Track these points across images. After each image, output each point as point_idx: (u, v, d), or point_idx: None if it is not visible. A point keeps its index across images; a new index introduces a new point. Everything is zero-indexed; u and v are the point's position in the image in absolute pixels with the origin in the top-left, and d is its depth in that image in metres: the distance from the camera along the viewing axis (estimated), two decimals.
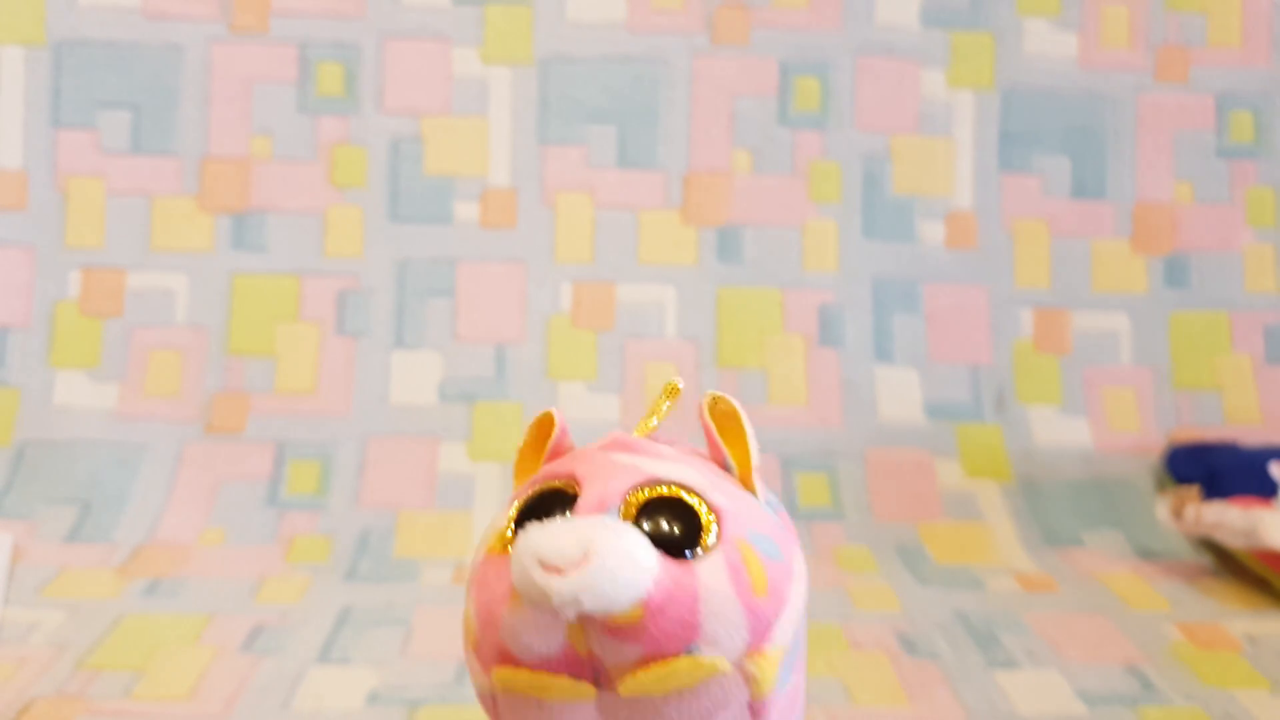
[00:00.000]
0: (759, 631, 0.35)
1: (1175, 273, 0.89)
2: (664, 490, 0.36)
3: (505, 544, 0.36)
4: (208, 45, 0.85)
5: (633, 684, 0.34)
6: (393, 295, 0.85)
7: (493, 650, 0.36)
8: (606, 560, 0.33)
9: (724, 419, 0.38)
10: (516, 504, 0.37)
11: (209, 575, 0.71)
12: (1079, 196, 0.89)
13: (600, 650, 0.34)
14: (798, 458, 0.82)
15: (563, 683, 0.35)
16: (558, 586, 0.33)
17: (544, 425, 0.39)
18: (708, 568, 0.35)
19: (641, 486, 0.36)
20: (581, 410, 0.83)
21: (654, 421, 0.40)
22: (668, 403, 0.40)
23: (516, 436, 0.81)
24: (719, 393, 0.38)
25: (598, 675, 0.35)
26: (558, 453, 0.39)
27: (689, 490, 0.36)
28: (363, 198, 0.85)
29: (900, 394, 0.86)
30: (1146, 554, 0.78)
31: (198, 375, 0.82)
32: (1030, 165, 0.89)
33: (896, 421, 0.85)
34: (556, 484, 0.37)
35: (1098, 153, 0.89)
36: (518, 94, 0.87)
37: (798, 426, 0.84)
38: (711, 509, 0.36)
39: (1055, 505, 0.82)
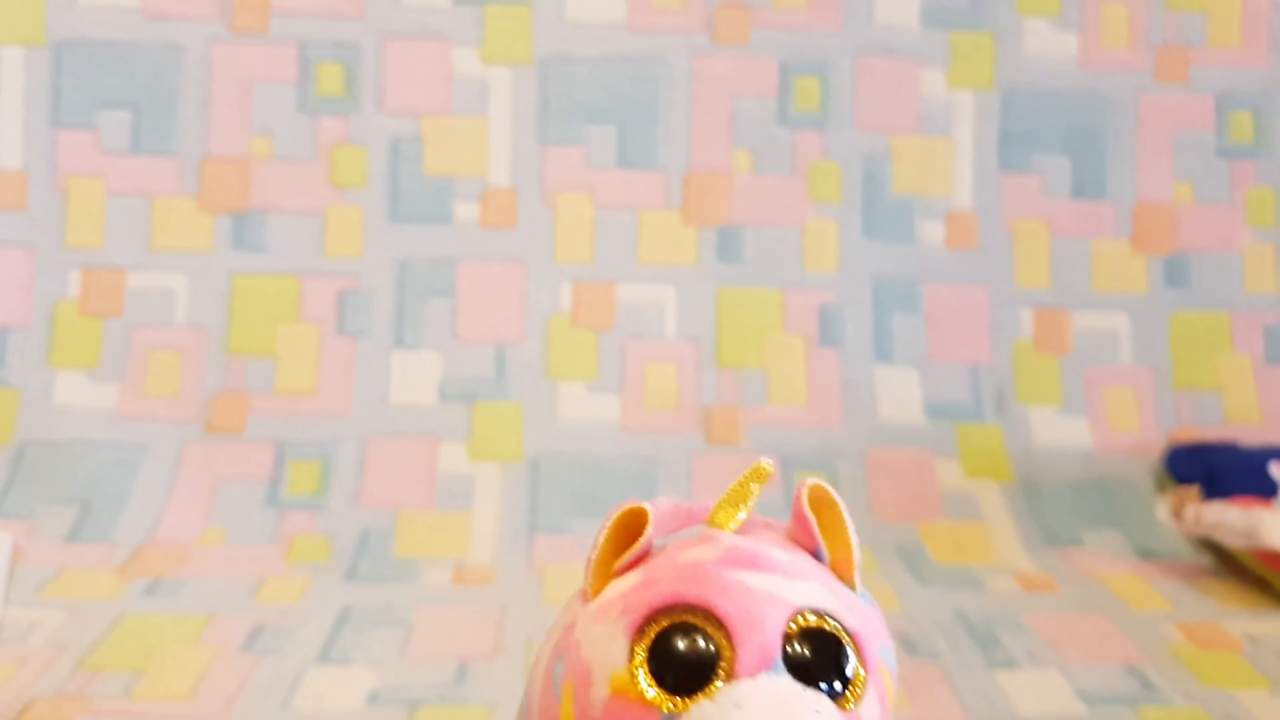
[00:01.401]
0: None
1: (1175, 273, 0.89)
2: (808, 621, 0.34)
3: (640, 690, 0.33)
4: (208, 45, 0.85)
5: None
6: (393, 295, 0.85)
7: None
8: None
9: (821, 508, 0.36)
10: (643, 641, 0.34)
11: (209, 575, 0.71)
12: (1079, 196, 0.89)
13: None
14: (798, 458, 0.82)
15: None
16: None
17: (633, 522, 0.36)
18: (868, 710, 0.34)
19: (790, 623, 0.34)
20: (581, 410, 0.83)
21: (742, 514, 0.37)
22: (756, 489, 0.37)
23: (517, 436, 0.82)
24: (816, 480, 0.36)
25: None
26: (644, 553, 0.36)
27: (832, 620, 0.34)
28: (363, 198, 0.85)
29: (900, 394, 0.86)
30: (1146, 554, 0.78)
31: (198, 375, 0.82)
32: (1030, 165, 0.89)
33: (896, 421, 0.85)
34: (688, 619, 0.34)
35: (1098, 153, 0.89)
36: (518, 94, 0.87)
37: (798, 426, 0.84)
38: (850, 635, 0.34)
39: (1055, 505, 0.82)
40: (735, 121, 0.87)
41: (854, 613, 0.35)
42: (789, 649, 0.33)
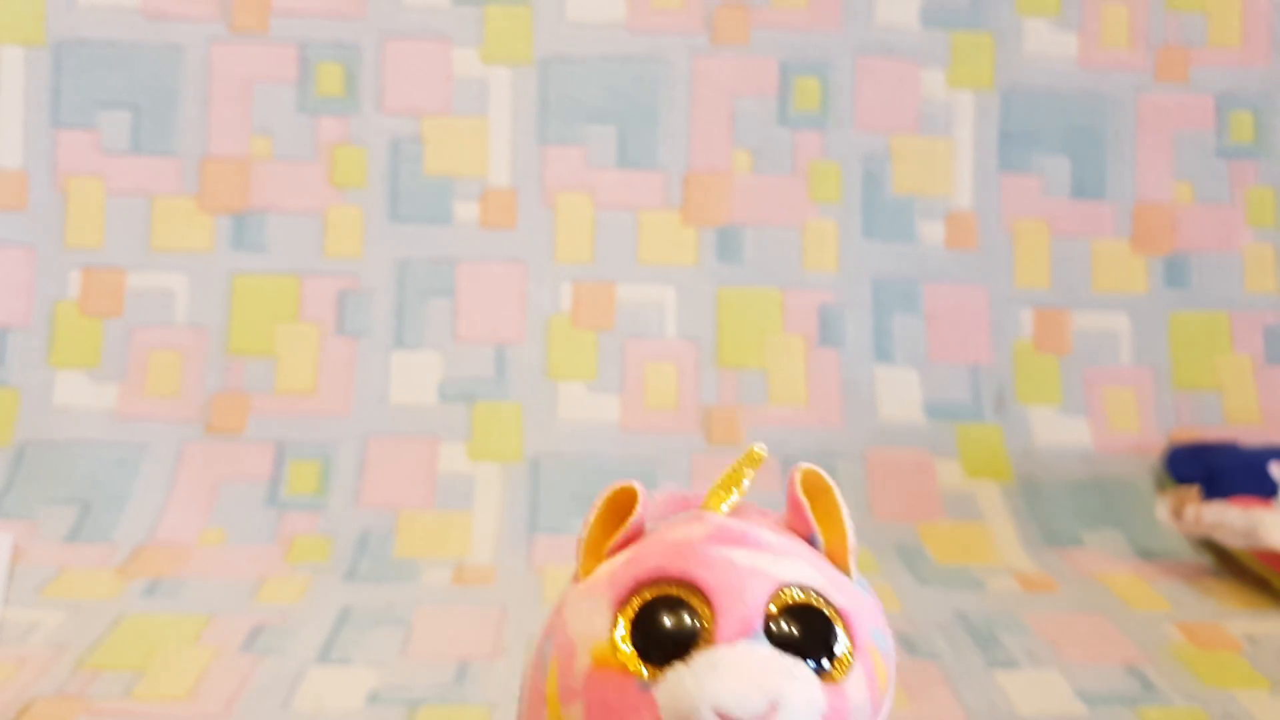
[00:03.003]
0: None
1: (1175, 273, 0.89)
2: (794, 597, 0.34)
3: (621, 659, 0.33)
4: (208, 45, 0.85)
5: None
6: (393, 295, 0.85)
7: None
8: (793, 714, 0.32)
9: (815, 493, 0.36)
10: (626, 613, 0.34)
11: (209, 575, 0.71)
12: (1079, 196, 0.89)
13: None
14: (798, 458, 0.82)
15: None
16: None
17: (623, 501, 0.36)
18: (853, 685, 0.34)
19: (774, 597, 0.34)
20: (581, 410, 0.83)
21: (734, 496, 0.37)
22: (749, 473, 0.37)
23: (517, 436, 0.82)
24: (812, 466, 0.36)
25: None
26: (635, 534, 0.36)
27: (818, 595, 0.34)
28: (363, 198, 0.85)
29: (900, 394, 0.86)
30: (1146, 554, 0.78)
31: (198, 375, 0.82)
32: (1030, 165, 0.89)
33: (896, 421, 0.85)
34: (672, 590, 0.34)
35: (1098, 153, 0.89)
36: (518, 94, 0.87)
37: (798, 426, 0.84)
38: (839, 612, 0.34)
39: (1055, 505, 0.82)
40: (735, 121, 0.87)
41: (844, 593, 0.35)
42: (772, 623, 0.33)
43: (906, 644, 0.63)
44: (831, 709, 0.33)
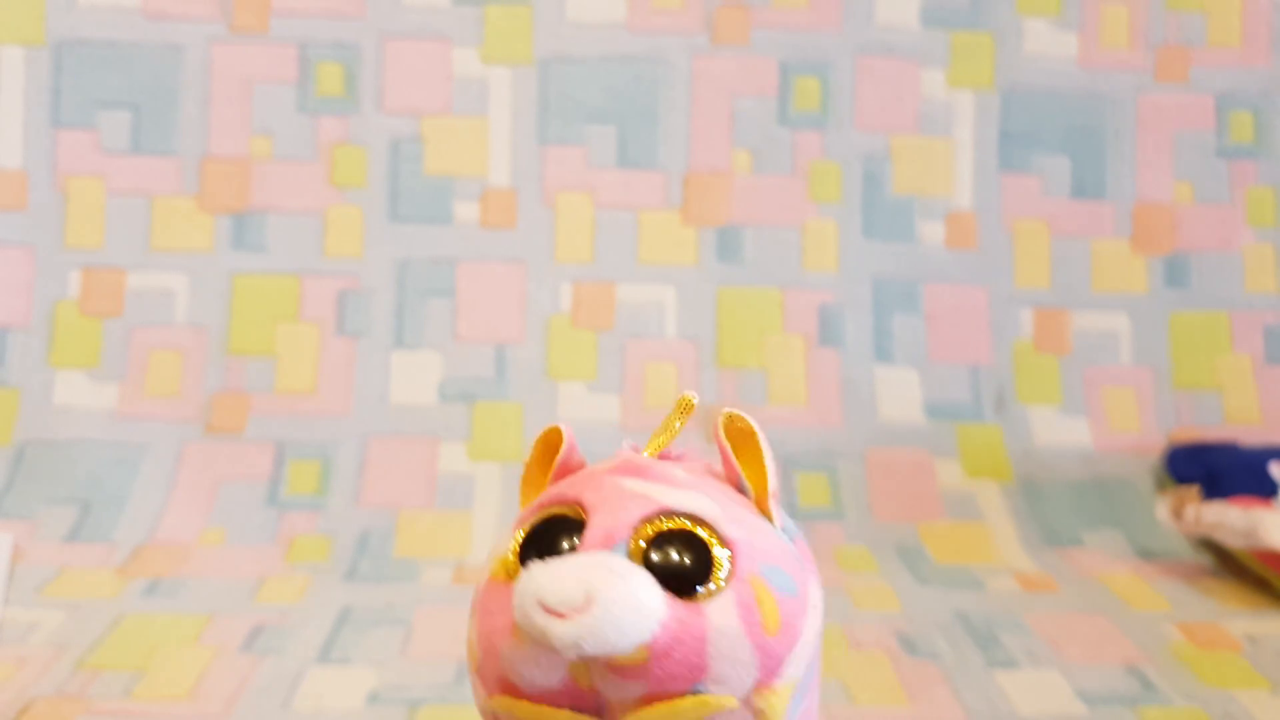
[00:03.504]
0: (769, 669, 0.35)
1: (1175, 273, 0.89)
2: (674, 523, 0.35)
3: (509, 571, 0.35)
4: (208, 45, 0.85)
5: (653, 717, 0.34)
6: (393, 295, 0.85)
7: (494, 678, 0.35)
8: (609, 607, 0.33)
9: (740, 438, 0.37)
10: (521, 530, 0.36)
11: (209, 575, 0.71)
12: (1079, 196, 0.89)
13: (603, 686, 0.34)
14: (798, 458, 0.82)
15: (564, 715, 0.34)
16: (559, 631, 0.33)
17: (551, 440, 0.38)
18: (718, 608, 0.34)
19: (651, 519, 0.35)
20: (581, 410, 0.83)
21: (670, 447, 0.38)
22: (681, 419, 0.38)
23: (517, 436, 0.82)
24: (736, 410, 0.37)
25: (600, 709, 0.34)
26: (566, 470, 0.38)
27: (701, 522, 0.35)
28: (363, 198, 0.85)
29: (900, 394, 0.86)
30: (1146, 554, 0.78)
31: (198, 375, 0.82)
32: (1030, 165, 0.89)
33: (896, 421, 0.85)
34: (563, 510, 0.36)
35: (1098, 153, 0.89)
36: (518, 94, 0.87)
37: (798, 426, 0.84)
38: (724, 542, 0.35)
39: (1055, 505, 0.82)
40: (735, 121, 0.87)
41: (743, 528, 0.35)
42: (647, 544, 0.34)
43: (906, 644, 0.63)
44: (677, 621, 0.33)
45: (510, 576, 0.35)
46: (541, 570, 0.33)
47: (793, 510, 0.79)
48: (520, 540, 0.36)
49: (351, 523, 0.77)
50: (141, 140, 0.85)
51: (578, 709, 0.34)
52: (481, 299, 0.85)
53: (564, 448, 0.37)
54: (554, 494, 0.37)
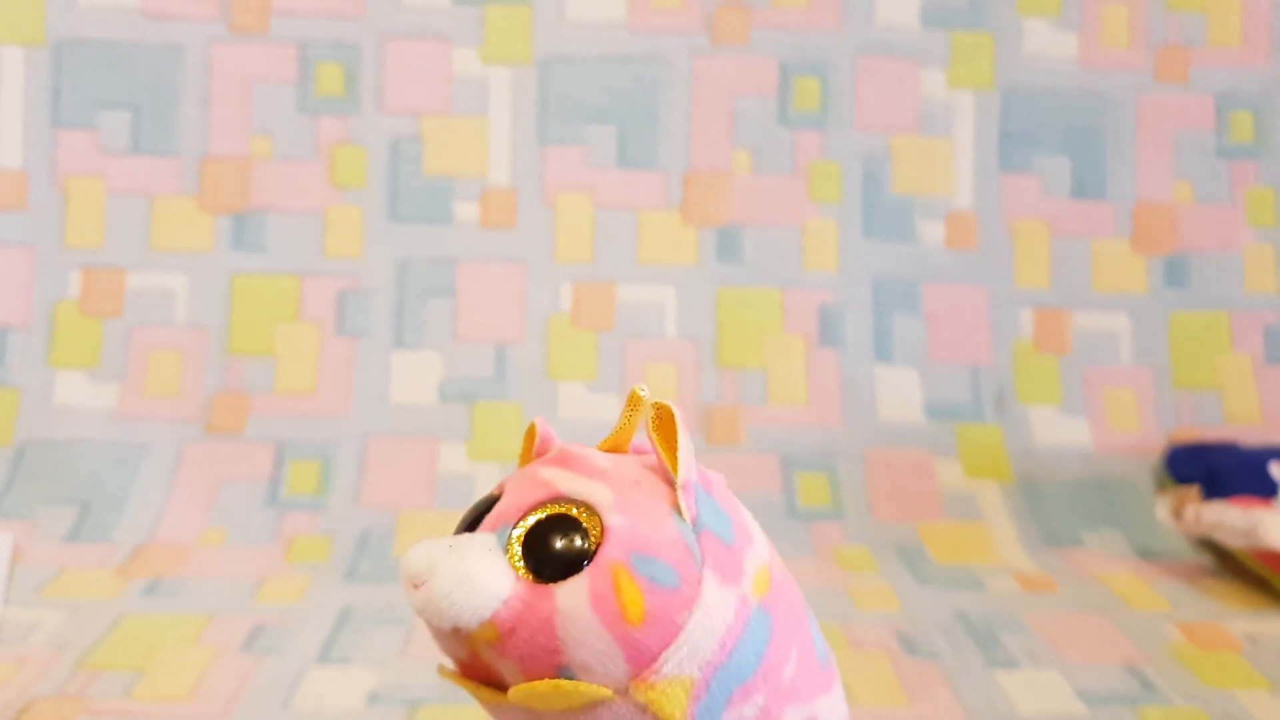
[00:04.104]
0: (639, 660, 0.35)
1: (1175, 273, 0.89)
2: (560, 508, 0.36)
3: None
4: (208, 45, 0.85)
5: (518, 694, 0.36)
6: (393, 295, 0.85)
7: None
8: (442, 581, 0.35)
9: (666, 425, 0.37)
10: (465, 516, 0.38)
11: (209, 575, 0.71)
12: (1079, 196, 0.89)
13: (490, 663, 0.36)
14: (798, 458, 0.82)
15: (480, 689, 0.37)
16: (411, 601, 0.36)
17: (532, 435, 0.40)
18: (566, 592, 0.35)
19: (541, 505, 0.36)
20: (581, 410, 0.83)
21: (626, 434, 0.39)
22: (628, 414, 0.39)
23: (517, 436, 0.81)
24: (662, 401, 0.37)
25: (503, 685, 0.36)
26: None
27: (586, 509, 0.36)
28: (363, 198, 0.85)
29: (900, 394, 0.86)
30: (1146, 554, 0.78)
31: (198, 375, 0.82)
32: (1030, 165, 0.89)
33: (896, 421, 0.85)
34: (494, 494, 0.38)
35: (1098, 153, 0.89)
36: (518, 94, 0.87)
37: (798, 426, 0.84)
38: (603, 530, 0.35)
39: (1055, 505, 0.82)
40: (735, 121, 0.87)
41: (629, 516, 0.36)
42: (524, 528, 0.36)
43: (906, 644, 0.63)
44: (520, 600, 0.35)
45: None
46: (412, 547, 0.36)
47: (793, 511, 0.79)
48: (462, 526, 0.38)
49: (351, 523, 0.77)
50: (141, 140, 0.85)
51: (487, 683, 0.37)
52: (481, 299, 0.85)
53: (536, 441, 0.39)
54: (497, 485, 0.39)
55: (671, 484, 0.37)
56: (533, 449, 0.39)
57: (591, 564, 0.35)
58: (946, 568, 0.74)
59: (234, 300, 0.84)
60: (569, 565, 0.35)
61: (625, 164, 0.87)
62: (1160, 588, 0.72)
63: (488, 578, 0.35)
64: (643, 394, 0.39)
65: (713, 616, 0.36)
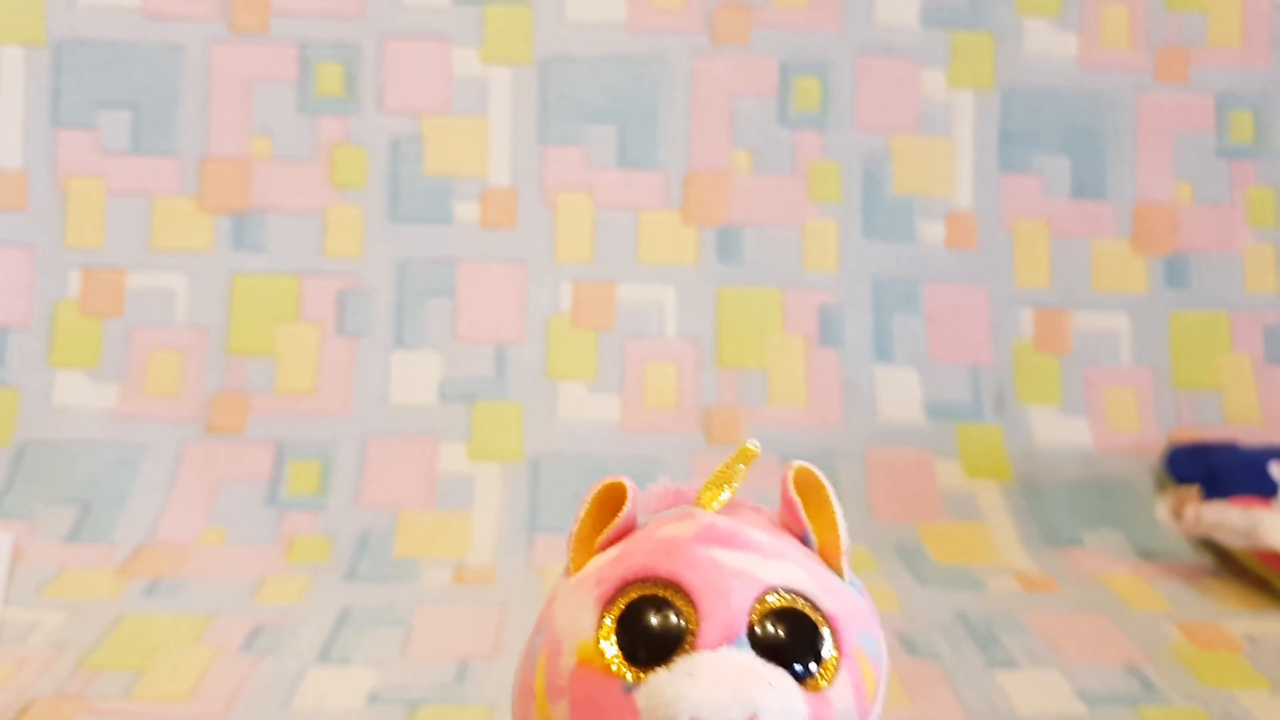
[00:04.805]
0: None
1: (1175, 273, 0.89)
2: (781, 599, 0.34)
3: (606, 661, 0.34)
4: (208, 45, 0.85)
5: None
6: (393, 295, 0.85)
7: None
8: None
9: (808, 490, 0.36)
10: (612, 612, 0.34)
11: (209, 575, 0.71)
12: (1079, 196, 0.89)
13: None
14: (797, 458, 0.82)
15: None
16: None
17: (613, 496, 0.36)
18: (839, 693, 0.34)
19: (760, 600, 0.34)
20: (581, 410, 0.83)
21: (726, 493, 0.37)
22: (742, 470, 0.37)
23: (517, 436, 0.82)
24: (804, 464, 0.36)
25: None
26: (626, 530, 0.36)
27: (805, 599, 0.34)
28: (363, 198, 0.85)
29: (900, 394, 0.86)
30: (1146, 554, 0.78)
31: (198, 375, 0.82)
32: (1030, 165, 0.89)
33: (896, 421, 0.85)
34: (658, 592, 0.34)
35: (1098, 153, 0.89)
36: (518, 94, 0.87)
37: (798, 426, 0.84)
38: (826, 618, 0.34)
39: (1055, 505, 0.82)
40: (735, 121, 0.87)
41: (835, 596, 0.35)
42: (757, 627, 0.33)
43: (906, 644, 0.63)
44: (814, 718, 0.33)
45: (613, 671, 0.33)
46: (688, 681, 0.32)
47: None
48: (614, 625, 0.34)
49: (351, 523, 0.77)
50: (141, 140, 0.85)
51: None
52: (481, 299, 0.85)
53: (627, 506, 0.36)
54: (638, 568, 0.34)
55: (804, 543, 0.36)
56: (613, 510, 0.36)
57: (841, 655, 0.34)
58: (946, 568, 0.74)
59: (234, 300, 0.84)
60: (813, 660, 0.34)
61: (625, 164, 0.87)
62: (1160, 588, 0.72)
63: (801, 705, 0.33)
64: (756, 450, 0.37)
65: (882, 671, 0.36)
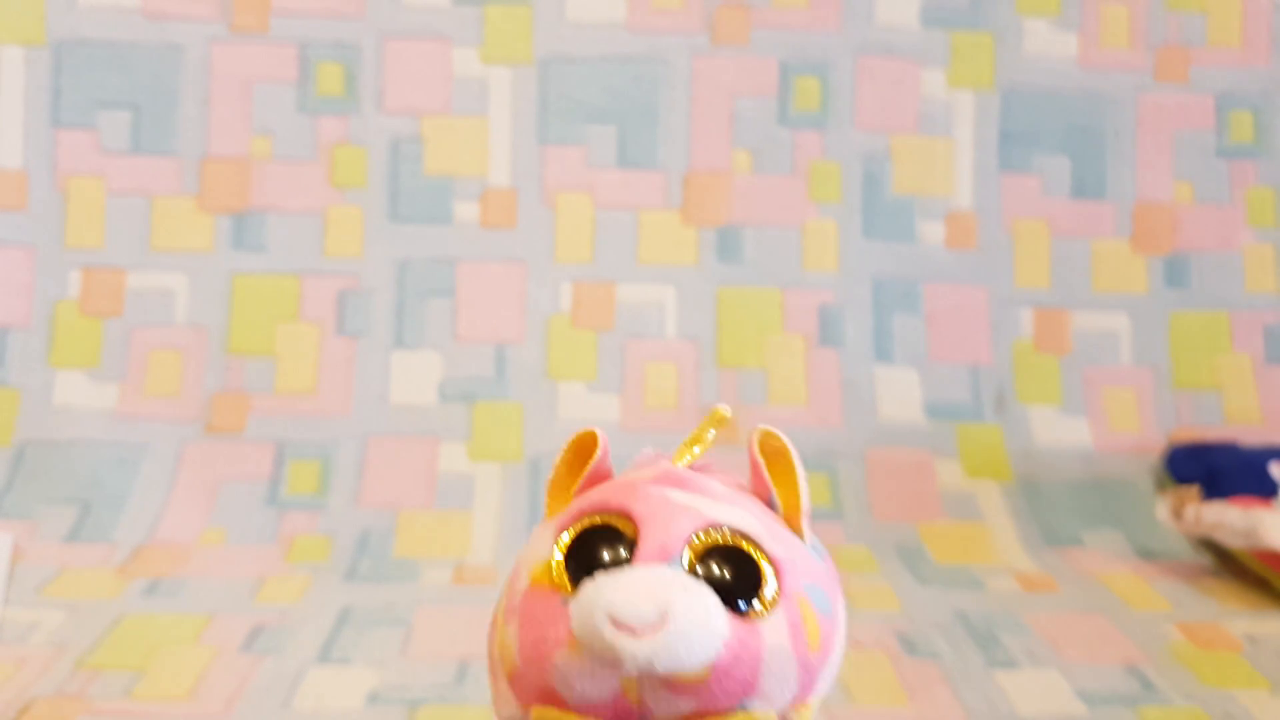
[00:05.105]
0: (806, 685, 0.35)
1: (1175, 273, 0.89)
2: (723, 537, 0.35)
3: (553, 578, 0.35)
4: (208, 45, 0.85)
5: None
6: (393, 295, 0.85)
7: (537, 689, 0.35)
8: (684, 626, 0.33)
9: (773, 456, 0.37)
10: (566, 535, 0.36)
11: (209, 575, 0.71)
12: (1079, 196, 0.89)
13: (653, 702, 0.34)
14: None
15: None
16: (631, 649, 0.32)
17: (584, 445, 0.38)
18: (771, 627, 0.34)
19: (702, 532, 0.35)
20: (581, 410, 0.83)
21: (696, 451, 0.38)
22: (713, 432, 0.38)
23: (517, 436, 0.82)
24: (770, 428, 0.37)
25: None
26: (598, 477, 0.38)
27: (749, 540, 0.35)
28: (363, 198, 0.85)
29: (900, 394, 0.86)
30: (1146, 554, 0.78)
31: (198, 375, 0.82)
32: (1030, 165, 0.89)
33: (896, 421, 0.85)
34: (610, 520, 0.36)
35: (1098, 153, 0.89)
36: (518, 94, 0.87)
37: (798, 426, 0.84)
38: (770, 560, 0.35)
39: (1055, 505, 0.82)
40: (735, 121, 0.87)
41: (783, 545, 0.36)
42: (699, 562, 0.34)
43: (906, 644, 0.63)
44: (737, 640, 0.34)
45: (557, 585, 0.35)
46: (610, 583, 0.33)
47: None
48: (565, 548, 0.35)
49: (351, 523, 0.77)
50: (141, 140, 0.85)
51: None
52: (481, 299, 0.85)
53: (598, 453, 0.37)
54: (595, 501, 0.36)
55: (770, 507, 0.37)
56: (584, 460, 0.38)
57: (781, 595, 0.35)
58: (946, 568, 0.74)
59: (234, 300, 0.84)
60: (747, 596, 0.34)
61: (625, 164, 0.87)
62: (1160, 588, 0.72)
63: (719, 618, 0.33)
64: (726, 414, 0.38)
65: (843, 634, 0.37)
